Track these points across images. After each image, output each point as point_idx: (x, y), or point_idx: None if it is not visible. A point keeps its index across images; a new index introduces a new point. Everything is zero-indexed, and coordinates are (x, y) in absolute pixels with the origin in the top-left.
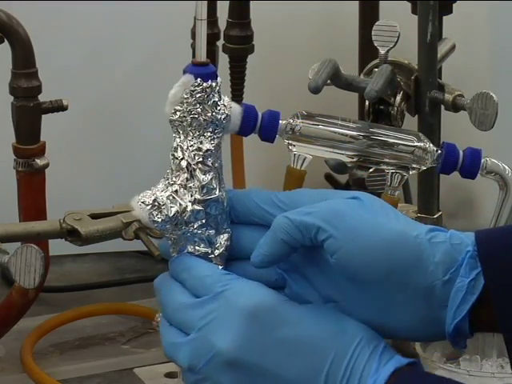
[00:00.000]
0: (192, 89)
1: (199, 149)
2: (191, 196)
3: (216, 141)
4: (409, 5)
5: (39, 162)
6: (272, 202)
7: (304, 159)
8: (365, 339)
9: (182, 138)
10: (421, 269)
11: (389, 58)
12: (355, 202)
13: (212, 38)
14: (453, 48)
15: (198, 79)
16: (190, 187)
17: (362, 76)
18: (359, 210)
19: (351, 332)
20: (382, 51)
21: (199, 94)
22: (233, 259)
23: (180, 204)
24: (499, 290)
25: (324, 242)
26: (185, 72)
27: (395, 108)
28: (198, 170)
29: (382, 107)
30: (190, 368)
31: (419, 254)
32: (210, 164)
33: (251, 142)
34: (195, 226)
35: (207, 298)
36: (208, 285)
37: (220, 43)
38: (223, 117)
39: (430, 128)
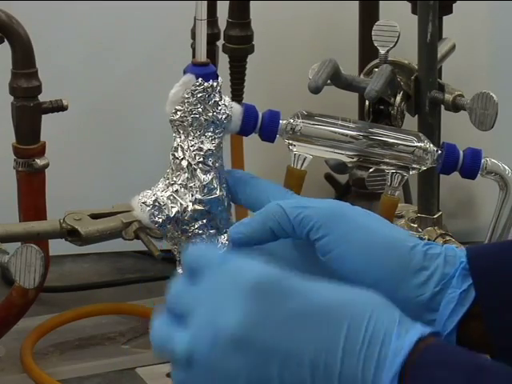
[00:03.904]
0: (193, 88)
1: (200, 149)
2: (192, 196)
3: (217, 141)
4: (409, 5)
5: (39, 161)
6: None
7: (304, 159)
8: (380, 305)
9: (183, 137)
10: (412, 280)
11: (389, 58)
12: (355, 207)
13: (212, 38)
14: (453, 48)
15: (200, 79)
16: (191, 187)
17: (362, 76)
18: (359, 215)
19: (364, 298)
20: (382, 51)
21: (200, 94)
22: None
23: (181, 204)
24: (489, 303)
25: (316, 241)
26: (185, 72)
27: (395, 108)
28: (198, 169)
29: (382, 107)
30: (189, 358)
31: (412, 265)
32: (211, 164)
33: (251, 142)
34: (196, 226)
35: (204, 276)
36: (204, 263)
37: (220, 43)
38: (224, 117)
39: (430, 128)
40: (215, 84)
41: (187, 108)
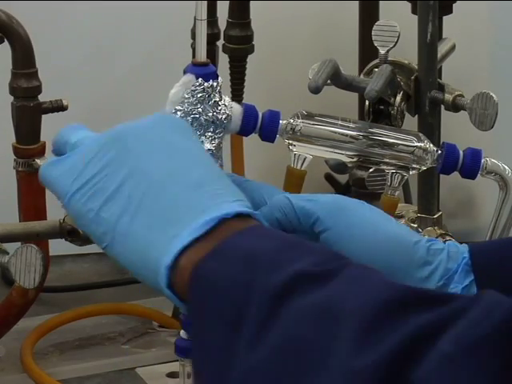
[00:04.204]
0: (193, 88)
1: None
2: None
3: (217, 141)
4: (409, 5)
5: (39, 162)
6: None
7: (304, 159)
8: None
9: None
10: (415, 274)
11: (389, 58)
12: (360, 201)
13: (212, 38)
14: (453, 48)
15: (199, 79)
16: None
17: (362, 76)
18: (363, 209)
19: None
20: (382, 51)
21: (200, 94)
22: None
23: None
24: None
25: (321, 233)
26: (185, 72)
27: (395, 108)
28: None
29: (382, 107)
30: (78, 142)
31: (415, 260)
32: None
33: (251, 142)
34: None
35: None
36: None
37: (220, 43)
38: (224, 117)
39: (430, 128)
40: (215, 84)
41: (187, 108)
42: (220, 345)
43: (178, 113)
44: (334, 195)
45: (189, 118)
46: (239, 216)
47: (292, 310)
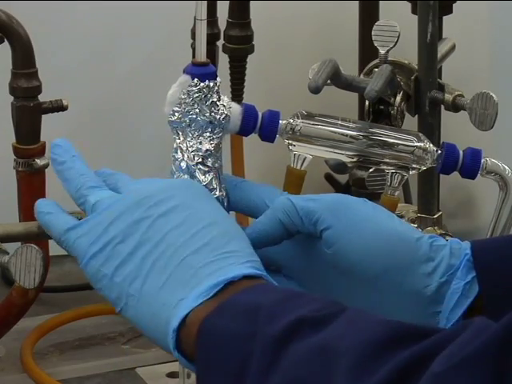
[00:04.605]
0: (189, 89)
1: (198, 149)
2: None
3: (215, 141)
4: (409, 5)
5: (39, 162)
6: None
7: (304, 159)
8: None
9: (182, 138)
10: (418, 271)
11: (389, 58)
12: (362, 199)
13: (212, 38)
14: (453, 48)
15: (195, 79)
16: None
17: (362, 76)
18: (365, 207)
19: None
20: (382, 51)
21: (196, 95)
22: None
23: None
24: (492, 297)
25: (323, 231)
26: (185, 72)
27: (395, 108)
28: (197, 170)
29: (382, 107)
30: (97, 203)
31: (418, 256)
32: (210, 164)
33: (251, 142)
34: None
35: None
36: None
37: (220, 43)
38: (222, 117)
39: (430, 128)
40: (211, 84)
41: (184, 109)
42: None
43: (176, 114)
44: (335, 194)
45: (186, 119)
46: (247, 277)
47: (291, 353)
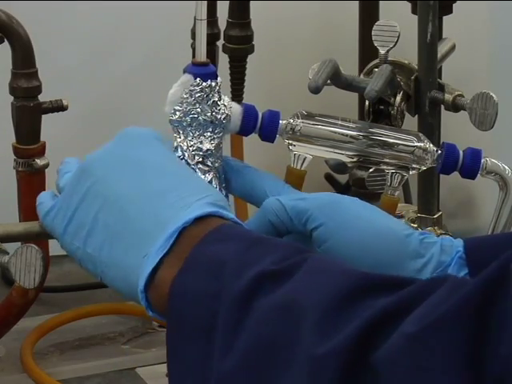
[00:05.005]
0: (191, 88)
1: (199, 149)
2: None
3: (216, 141)
4: (409, 5)
5: (39, 162)
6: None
7: (304, 159)
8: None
9: (182, 137)
10: (407, 267)
11: (389, 58)
12: (352, 197)
13: (212, 38)
14: (453, 48)
15: (198, 79)
16: None
17: (362, 76)
18: (355, 205)
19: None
20: (382, 51)
21: (198, 94)
22: None
23: None
24: None
25: (314, 230)
26: (185, 72)
27: (395, 108)
28: (197, 169)
29: (382, 107)
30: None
31: (408, 252)
32: (210, 164)
33: (251, 141)
34: None
35: None
36: None
37: (220, 43)
38: (223, 117)
39: (430, 128)
40: (213, 84)
41: (186, 108)
42: (196, 357)
43: (177, 113)
44: (324, 193)
45: (187, 118)
46: (201, 219)
47: (256, 312)
